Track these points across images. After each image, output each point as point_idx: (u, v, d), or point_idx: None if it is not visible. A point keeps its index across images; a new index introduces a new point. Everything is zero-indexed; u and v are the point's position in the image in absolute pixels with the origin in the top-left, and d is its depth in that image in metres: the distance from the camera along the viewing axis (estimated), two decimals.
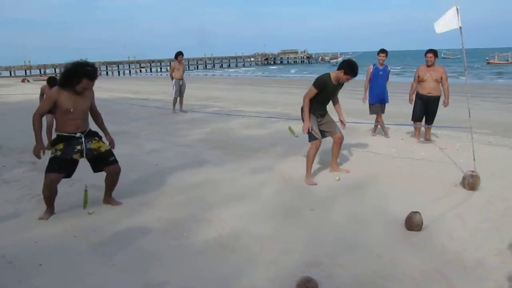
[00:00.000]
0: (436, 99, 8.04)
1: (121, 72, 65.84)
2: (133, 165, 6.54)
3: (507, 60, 54.55)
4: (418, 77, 8.10)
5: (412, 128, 8.83)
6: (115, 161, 4.79)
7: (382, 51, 8.74)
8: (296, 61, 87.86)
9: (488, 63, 53.88)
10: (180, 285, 3.26)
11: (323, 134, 5.94)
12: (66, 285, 3.29)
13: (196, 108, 14.27)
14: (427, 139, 8.26)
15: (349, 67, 5.53)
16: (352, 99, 12.91)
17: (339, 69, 5.62)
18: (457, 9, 6.29)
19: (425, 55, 8.01)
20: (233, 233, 4.15)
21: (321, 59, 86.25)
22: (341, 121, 5.97)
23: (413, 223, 4.14)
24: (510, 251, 3.68)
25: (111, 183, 4.86)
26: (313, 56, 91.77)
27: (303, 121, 5.73)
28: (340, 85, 5.81)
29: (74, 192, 5.28)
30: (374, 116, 8.88)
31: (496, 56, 56.52)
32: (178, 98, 13.03)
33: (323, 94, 5.70)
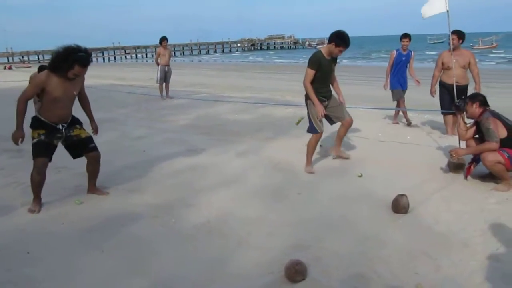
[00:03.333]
0: (465, 89, 7.01)
1: (106, 58, 64.97)
2: (120, 152, 6.51)
3: (492, 44, 55.05)
4: (443, 64, 7.28)
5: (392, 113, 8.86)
6: (95, 148, 4.68)
7: (405, 35, 8.25)
8: (283, 46, 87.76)
9: (473, 47, 54.29)
10: (169, 270, 3.28)
11: (331, 120, 5.70)
12: (55, 272, 3.28)
13: (182, 94, 14.17)
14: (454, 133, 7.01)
15: (339, 37, 5.17)
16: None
17: (329, 42, 5.25)
18: None
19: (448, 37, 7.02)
20: (221, 218, 4.17)
21: (308, 44, 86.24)
22: (341, 102, 5.64)
23: (399, 206, 4.20)
24: (493, 232, 3.75)
25: (92, 170, 4.75)
26: (300, 41, 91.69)
27: (307, 109, 5.47)
28: (333, 60, 5.46)
29: (61, 180, 5.26)
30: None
31: (480, 41, 56.96)
32: (164, 84, 12.94)
33: (320, 73, 5.33)
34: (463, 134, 5.25)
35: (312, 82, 5.34)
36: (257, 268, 3.28)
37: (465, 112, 5.14)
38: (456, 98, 6.33)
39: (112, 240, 3.76)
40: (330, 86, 5.67)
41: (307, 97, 5.46)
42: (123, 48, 70.49)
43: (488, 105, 4.99)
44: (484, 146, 4.78)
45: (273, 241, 3.69)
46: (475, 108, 4.96)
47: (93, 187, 4.86)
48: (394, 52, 8.44)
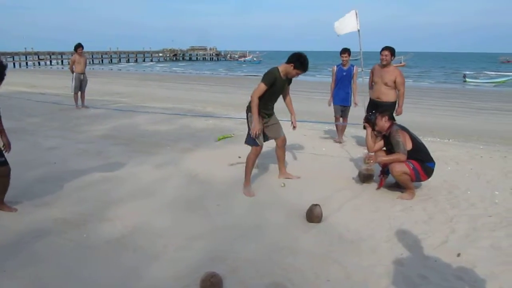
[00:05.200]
0: (386, 106, 6.77)
1: (16, 64, 60.82)
2: (29, 164, 6.11)
3: (400, 63, 59.02)
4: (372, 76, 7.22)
5: (320, 127, 9.19)
6: (5, 163, 4.35)
7: (344, 50, 7.82)
8: (205, 57, 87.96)
9: None
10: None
11: (267, 137, 5.48)
12: None
13: (99, 103, 13.66)
14: None
15: (299, 61, 4.89)
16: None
17: (288, 62, 4.95)
18: (356, 13, 6.71)
19: (380, 52, 6.88)
20: (136, 231, 4.05)
21: (230, 56, 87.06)
22: (292, 123, 5.51)
23: (313, 215, 4.35)
24: (398, 238, 4.01)
25: (0, 186, 4.40)
26: (222, 54, 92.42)
27: (248, 122, 5.18)
28: (288, 80, 5.18)
29: None
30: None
31: None
32: (79, 93, 12.43)
33: (272, 91, 5.02)
34: (372, 146, 5.56)
35: (261, 97, 5.00)
36: (173, 281, 3.23)
37: (374, 126, 5.44)
38: (366, 112, 6.68)
39: (15, 259, 3.51)
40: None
41: (249, 109, 5.14)
42: (36, 53, 66.52)
43: (394, 120, 5.35)
44: (395, 156, 5.08)
45: (189, 253, 3.66)
46: (384, 122, 5.28)
47: (0, 203, 4.51)
48: (335, 68, 8.16)
